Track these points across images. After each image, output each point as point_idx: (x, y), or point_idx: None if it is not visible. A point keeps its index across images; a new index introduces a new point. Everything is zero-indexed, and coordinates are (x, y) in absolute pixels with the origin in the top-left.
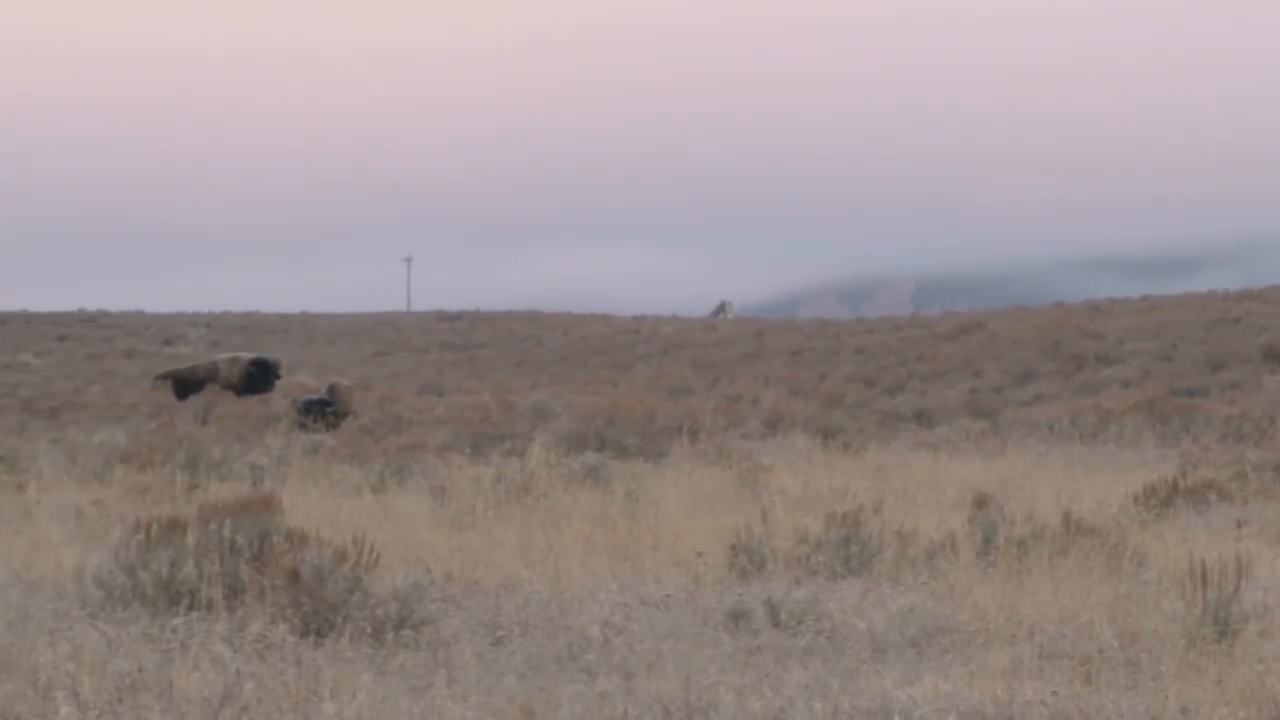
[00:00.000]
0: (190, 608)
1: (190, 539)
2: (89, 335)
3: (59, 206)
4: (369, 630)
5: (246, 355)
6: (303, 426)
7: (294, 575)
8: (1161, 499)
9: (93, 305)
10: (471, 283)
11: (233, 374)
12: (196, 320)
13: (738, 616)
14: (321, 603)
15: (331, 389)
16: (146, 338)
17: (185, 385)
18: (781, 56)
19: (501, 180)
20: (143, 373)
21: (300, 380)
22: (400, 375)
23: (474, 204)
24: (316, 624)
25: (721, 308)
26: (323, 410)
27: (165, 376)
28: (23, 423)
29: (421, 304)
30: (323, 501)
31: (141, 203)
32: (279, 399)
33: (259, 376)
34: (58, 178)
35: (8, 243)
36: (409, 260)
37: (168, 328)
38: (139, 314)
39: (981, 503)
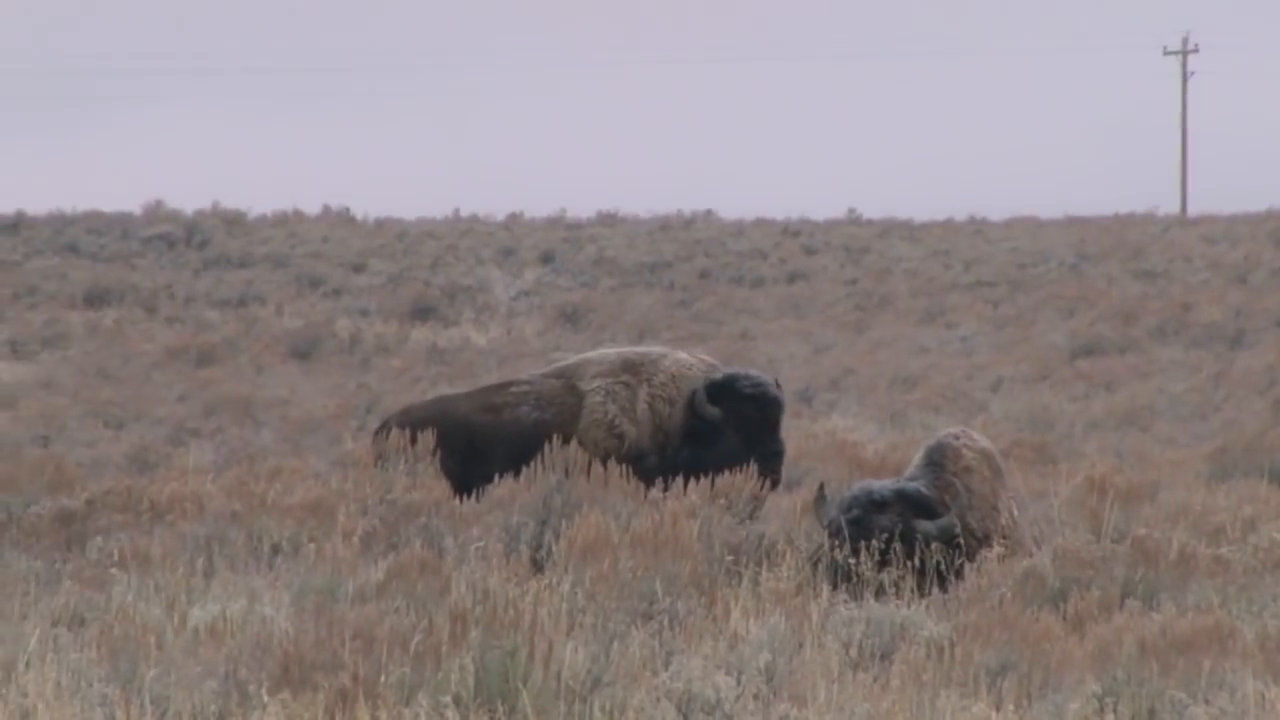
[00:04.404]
0: None
1: None
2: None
3: None
4: None
5: (678, 357)
6: (845, 574)
7: None
8: None
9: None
10: None
11: (630, 416)
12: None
13: None
14: None
15: (936, 461)
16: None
17: (469, 453)
18: None
19: None
20: (344, 398)
21: (835, 428)
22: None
23: None
24: None
25: None
26: (909, 530)
27: (408, 421)
28: None
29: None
30: None
31: None
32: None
33: (730, 425)
34: None
35: None
36: (1185, 52)
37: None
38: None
39: None
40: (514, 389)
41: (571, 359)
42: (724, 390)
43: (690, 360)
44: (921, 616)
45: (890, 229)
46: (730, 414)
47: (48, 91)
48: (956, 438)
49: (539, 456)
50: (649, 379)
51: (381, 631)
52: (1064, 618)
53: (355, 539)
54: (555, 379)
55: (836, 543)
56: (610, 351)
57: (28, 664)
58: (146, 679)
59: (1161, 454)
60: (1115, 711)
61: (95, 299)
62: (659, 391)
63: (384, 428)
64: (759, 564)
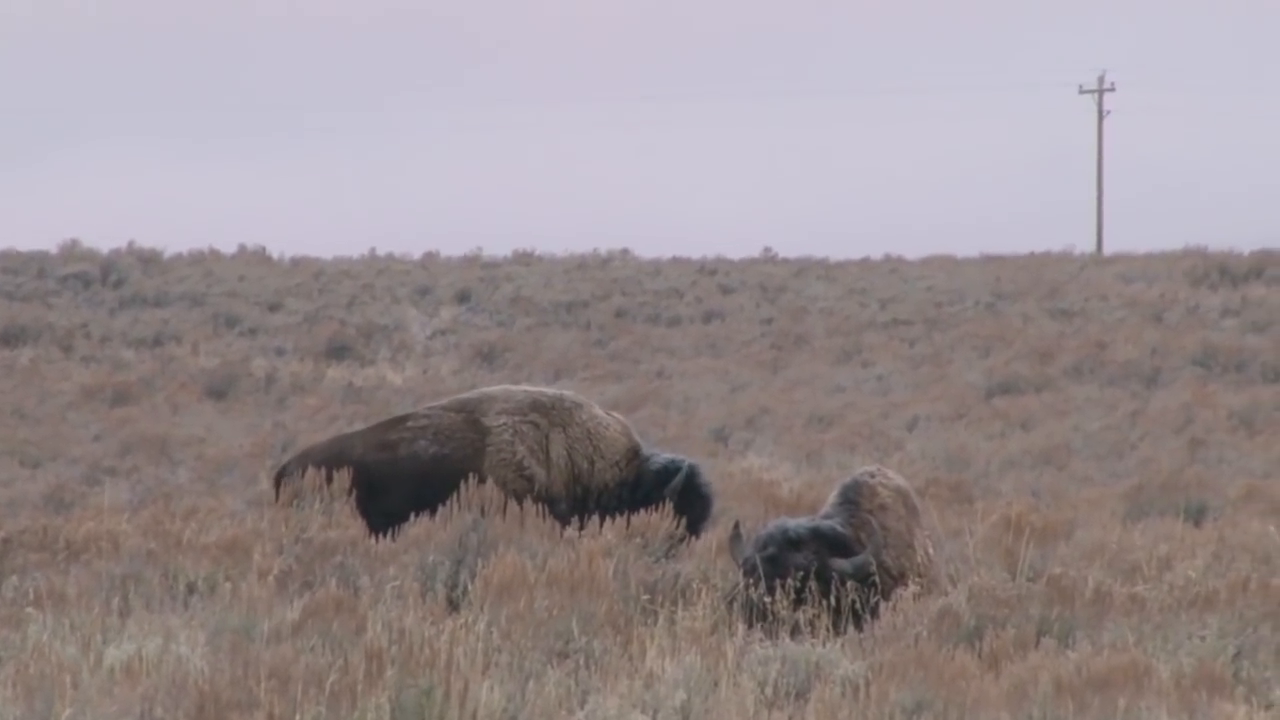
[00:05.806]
0: None
1: None
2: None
3: None
4: None
5: (594, 413)
6: (760, 613)
7: None
8: None
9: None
10: None
11: (539, 458)
12: (418, 286)
13: None
14: None
15: (851, 500)
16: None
17: (368, 493)
18: None
19: None
20: (260, 437)
21: (751, 467)
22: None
23: None
24: None
25: None
26: (824, 568)
27: (307, 463)
28: None
29: (1122, 237)
30: None
31: None
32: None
33: (679, 508)
34: None
35: None
36: (1101, 90)
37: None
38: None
39: None
40: (410, 424)
41: (472, 392)
42: (687, 482)
43: (606, 419)
44: (837, 655)
45: (806, 268)
46: (682, 500)
47: None
48: (872, 476)
49: (454, 495)
50: (564, 426)
51: (297, 671)
52: (979, 656)
53: (271, 578)
54: (455, 412)
55: (752, 581)
56: (516, 389)
57: None
58: (62, 718)
59: (1078, 492)
60: None
61: (11, 338)
62: (577, 446)
63: (283, 472)
64: (675, 603)
